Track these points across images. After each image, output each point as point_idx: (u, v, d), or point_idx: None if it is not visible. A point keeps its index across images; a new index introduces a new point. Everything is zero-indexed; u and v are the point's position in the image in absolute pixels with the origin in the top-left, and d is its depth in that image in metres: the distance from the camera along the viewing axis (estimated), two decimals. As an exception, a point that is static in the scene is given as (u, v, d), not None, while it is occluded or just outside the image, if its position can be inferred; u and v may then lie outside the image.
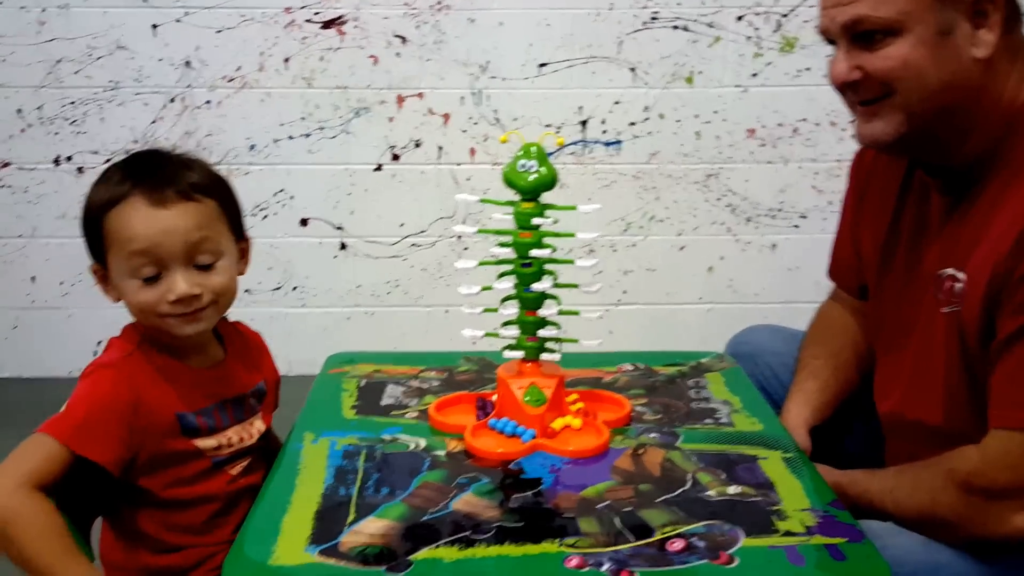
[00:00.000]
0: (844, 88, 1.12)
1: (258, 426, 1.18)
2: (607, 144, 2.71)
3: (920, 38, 1.05)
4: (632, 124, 2.70)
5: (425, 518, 0.99)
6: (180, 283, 1.05)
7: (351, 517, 0.99)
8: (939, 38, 1.05)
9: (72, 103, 2.62)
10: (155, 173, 1.07)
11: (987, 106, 1.08)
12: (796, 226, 2.79)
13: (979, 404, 1.07)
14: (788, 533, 0.96)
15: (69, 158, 2.66)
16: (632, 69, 2.66)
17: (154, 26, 2.58)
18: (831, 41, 1.13)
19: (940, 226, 1.16)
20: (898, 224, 1.24)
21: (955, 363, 1.11)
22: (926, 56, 1.05)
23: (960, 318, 1.09)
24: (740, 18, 2.63)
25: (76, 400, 1.04)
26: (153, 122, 2.64)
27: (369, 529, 0.96)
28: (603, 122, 2.69)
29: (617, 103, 2.68)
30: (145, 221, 1.04)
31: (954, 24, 1.05)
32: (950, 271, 1.11)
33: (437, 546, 0.93)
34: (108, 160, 2.86)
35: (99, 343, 3.00)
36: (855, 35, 1.08)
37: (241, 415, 1.16)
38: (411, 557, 0.91)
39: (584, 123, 2.69)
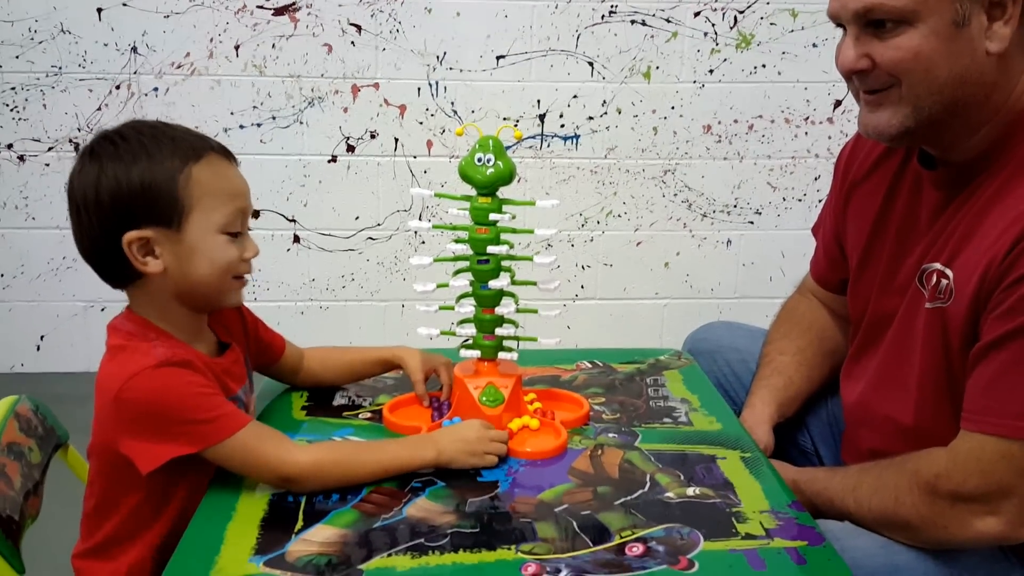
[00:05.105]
0: (849, 75, 1.08)
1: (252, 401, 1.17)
2: (565, 139, 2.69)
3: (933, 29, 0.99)
4: (590, 119, 2.68)
5: (377, 525, 0.95)
6: (254, 243, 1.07)
7: (299, 525, 0.95)
8: (953, 30, 0.99)
9: (12, 88, 2.53)
10: (202, 135, 1.06)
11: (996, 103, 1.04)
12: (751, 222, 2.80)
13: (953, 404, 1.05)
14: (748, 536, 0.95)
15: (10, 146, 2.56)
16: (590, 63, 2.64)
17: (99, 10, 2.50)
18: (840, 25, 1.08)
19: (931, 221, 1.13)
20: (886, 216, 1.21)
21: (934, 360, 1.09)
22: (938, 48, 1.00)
23: (945, 315, 1.07)
24: (697, 14, 2.63)
25: (185, 404, 0.98)
26: (98, 109, 2.56)
27: (318, 537, 0.93)
28: (561, 116, 2.67)
29: (575, 97, 2.66)
30: (236, 176, 1.06)
31: (970, 15, 0.99)
32: (937, 266, 1.09)
33: (390, 554, 0.90)
34: (51, 148, 2.79)
35: (42, 337, 2.91)
36: (866, 22, 1.03)
37: (245, 403, 1.13)
38: (362, 567, 0.88)
39: (542, 117, 2.67)
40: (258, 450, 1.00)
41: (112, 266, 1.02)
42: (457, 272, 1.16)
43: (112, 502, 1.05)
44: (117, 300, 1.09)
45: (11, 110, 2.54)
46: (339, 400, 1.27)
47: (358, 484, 1.02)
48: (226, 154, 1.06)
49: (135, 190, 0.99)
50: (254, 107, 2.59)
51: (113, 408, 0.99)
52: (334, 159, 2.65)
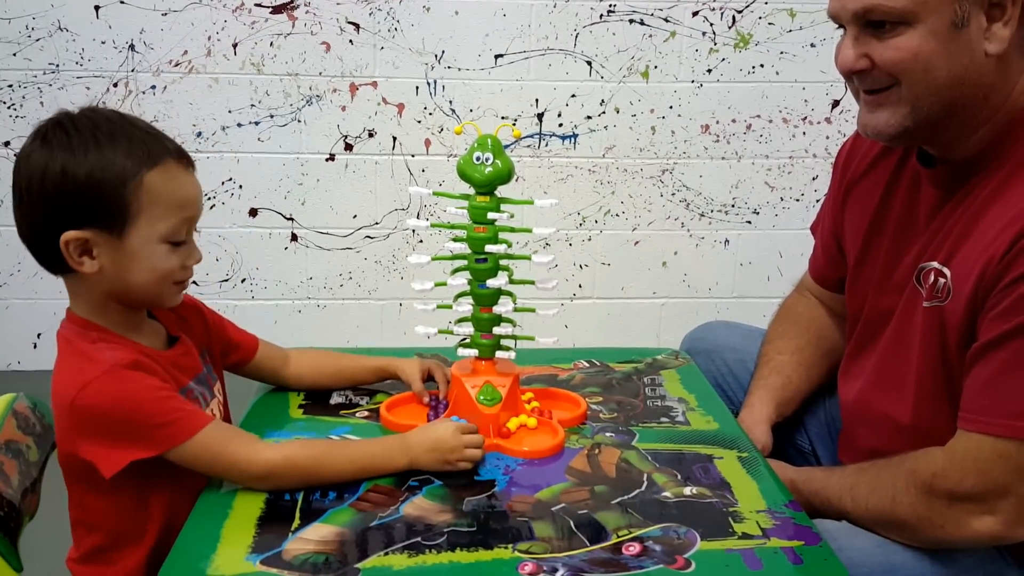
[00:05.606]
0: (849, 75, 1.08)
1: (218, 400, 1.15)
2: (563, 138, 2.69)
3: (932, 30, 1.00)
4: (588, 118, 2.68)
5: (374, 523, 0.95)
6: (198, 249, 1.05)
7: (296, 523, 0.95)
8: (952, 31, 1.00)
9: (10, 86, 2.53)
10: (161, 135, 1.03)
11: (995, 103, 1.05)
12: (749, 222, 2.80)
13: (951, 403, 1.06)
14: (745, 536, 0.95)
15: (7, 143, 2.56)
16: (589, 62, 2.64)
17: (97, 7, 2.49)
18: (839, 25, 1.08)
19: (928, 219, 1.14)
20: (884, 215, 1.22)
21: (931, 359, 1.09)
22: (937, 49, 1.01)
23: (943, 314, 1.07)
24: (695, 13, 2.62)
25: (142, 409, 0.96)
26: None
27: (315, 536, 0.93)
28: (559, 115, 2.67)
29: (574, 96, 2.66)
30: (190, 183, 1.03)
31: (969, 16, 1.00)
32: (934, 265, 1.09)
33: (386, 553, 0.90)
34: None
35: (39, 335, 2.90)
36: (866, 22, 1.04)
37: (208, 392, 1.12)
38: (359, 565, 0.88)
39: (540, 116, 2.67)
40: (225, 450, 0.99)
41: (48, 256, 1.00)
42: (455, 271, 1.16)
43: (89, 510, 1.04)
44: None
45: (8, 108, 2.54)
46: (336, 399, 1.27)
47: (331, 483, 1.02)
48: (183, 159, 1.03)
49: (81, 187, 0.96)
50: (252, 105, 2.59)
51: (69, 416, 0.98)
52: (332, 158, 2.65)
